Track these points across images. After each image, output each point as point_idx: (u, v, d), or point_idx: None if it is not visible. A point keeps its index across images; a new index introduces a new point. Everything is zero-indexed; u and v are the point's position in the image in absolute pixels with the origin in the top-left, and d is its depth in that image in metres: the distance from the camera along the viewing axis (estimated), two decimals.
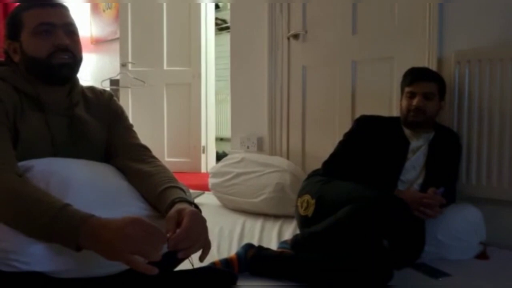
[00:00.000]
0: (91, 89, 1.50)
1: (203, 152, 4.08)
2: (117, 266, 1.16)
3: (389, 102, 2.27)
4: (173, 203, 1.19)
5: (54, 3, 1.29)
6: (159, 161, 1.42)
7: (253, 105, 2.98)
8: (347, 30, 2.47)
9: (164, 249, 1.06)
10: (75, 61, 1.32)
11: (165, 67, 4.07)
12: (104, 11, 5.37)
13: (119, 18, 4.25)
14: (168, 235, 1.08)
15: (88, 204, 1.09)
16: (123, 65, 4.13)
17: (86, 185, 1.18)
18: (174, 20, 4.02)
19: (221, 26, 5.51)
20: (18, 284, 1.03)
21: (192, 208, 1.16)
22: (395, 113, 2.13)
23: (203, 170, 4.03)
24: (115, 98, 1.54)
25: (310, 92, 2.69)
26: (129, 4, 4.12)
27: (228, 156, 2.80)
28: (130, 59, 4.12)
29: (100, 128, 1.42)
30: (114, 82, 4.29)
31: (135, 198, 1.27)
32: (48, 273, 1.07)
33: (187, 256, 1.11)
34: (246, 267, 1.59)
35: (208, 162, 4.09)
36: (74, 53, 1.30)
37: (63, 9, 1.31)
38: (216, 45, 4.30)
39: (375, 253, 1.46)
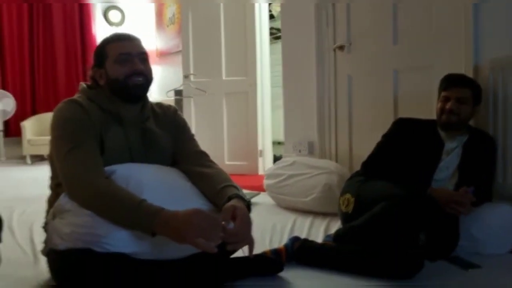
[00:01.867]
0: (159, 105, 1.79)
1: (260, 155, 4.31)
2: (184, 251, 1.40)
3: (430, 108, 2.37)
4: (229, 199, 1.45)
5: (131, 37, 1.60)
6: (216, 164, 1.67)
7: (304, 112, 3.19)
8: (388, 41, 2.62)
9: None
10: (147, 82, 1.61)
11: (224, 77, 4.35)
12: (167, 26, 5.79)
13: (181, 32, 4.58)
14: (223, 223, 1.33)
15: (159, 201, 1.33)
16: (186, 76, 4.46)
17: (157, 186, 1.44)
18: (231, 33, 4.27)
19: (276, 35, 5.73)
20: (108, 262, 1.31)
21: (245, 209, 1.41)
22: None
23: (260, 172, 4.25)
24: (179, 112, 1.82)
25: (355, 100, 2.86)
26: (190, 19, 4.42)
27: (281, 160, 3.02)
28: (192, 71, 4.44)
29: (167, 138, 1.69)
30: (178, 93, 4.62)
31: (197, 196, 1.52)
32: (130, 254, 1.34)
33: (234, 250, 1.38)
34: (292, 257, 1.79)
35: (265, 165, 4.30)
36: (146, 75, 1.60)
37: (137, 41, 1.61)
38: (272, 53, 4.51)
39: (406, 245, 1.62)
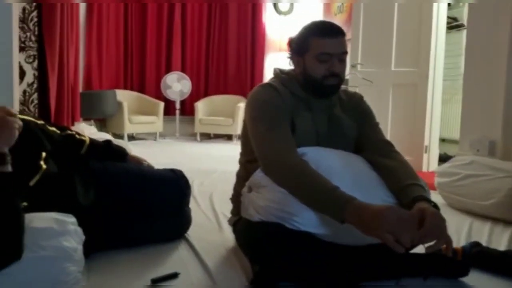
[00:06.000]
0: (344, 91, 1.81)
1: (426, 151, 4.10)
2: (364, 240, 1.40)
3: None
4: (414, 200, 1.39)
5: (336, 32, 1.58)
6: (401, 155, 1.64)
7: (486, 107, 2.92)
8: None
9: None
10: (340, 83, 1.64)
11: (392, 68, 4.21)
12: (335, 15, 5.79)
13: (352, 21, 4.54)
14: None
15: (346, 187, 1.36)
16: (353, 66, 4.42)
17: (345, 173, 1.47)
18: (405, 21, 4.10)
19: (451, 25, 5.33)
20: (296, 238, 1.38)
21: (433, 208, 1.34)
22: None
23: (424, 169, 4.06)
24: (364, 99, 1.83)
25: None
26: (362, 7, 4.37)
27: (457, 158, 2.83)
28: (359, 60, 4.39)
29: (352, 125, 1.71)
30: (344, 82, 4.61)
31: (382, 188, 1.50)
32: (315, 234, 1.40)
33: (432, 250, 1.29)
34: (469, 261, 1.64)
35: (430, 162, 4.09)
36: (341, 77, 1.62)
37: (341, 39, 1.59)
38: (445, 44, 4.24)
39: None
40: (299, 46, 1.63)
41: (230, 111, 6.26)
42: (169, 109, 6.53)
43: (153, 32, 6.58)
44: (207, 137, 6.65)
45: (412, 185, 1.45)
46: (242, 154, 1.78)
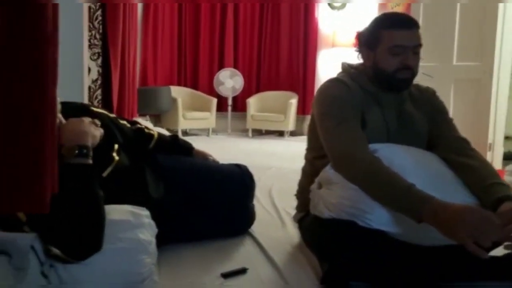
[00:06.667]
0: (416, 86, 1.73)
1: (489, 149, 3.91)
2: (440, 241, 1.34)
3: None
4: (500, 200, 1.31)
5: (409, 24, 1.51)
6: (479, 154, 1.55)
7: None
8: None
9: None
10: (413, 76, 1.56)
11: (454, 63, 4.04)
12: (392, 8, 5.62)
13: (411, 13, 4.38)
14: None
15: (422, 187, 1.30)
16: None
17: (420, 172, 1.40)
18: (468, 13, 3.92)
19: None
20: (369, 236, 1.34)
21: None
22: None
23: None
24: (437, 94, 1.75)
25: None
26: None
27: None
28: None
29: (424, 121, 1.64)
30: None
31: (461, 187, 1.43)
32: (387, 233, 1.35)
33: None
34: None
35: (494, 160, 3.90)
36: (414, 70, 1.54)
37: (415, 31, 1.52)
38: None
39: None
40: (369, 40, 1.57)
41: (281, 107, 6.24)
42: (221, 105, 6.58)
43: (206, 30, 6.65)
44: (258, 133, 6.65)
45: (496, 184, 1.38)
46: (308, 150, 1.76)
